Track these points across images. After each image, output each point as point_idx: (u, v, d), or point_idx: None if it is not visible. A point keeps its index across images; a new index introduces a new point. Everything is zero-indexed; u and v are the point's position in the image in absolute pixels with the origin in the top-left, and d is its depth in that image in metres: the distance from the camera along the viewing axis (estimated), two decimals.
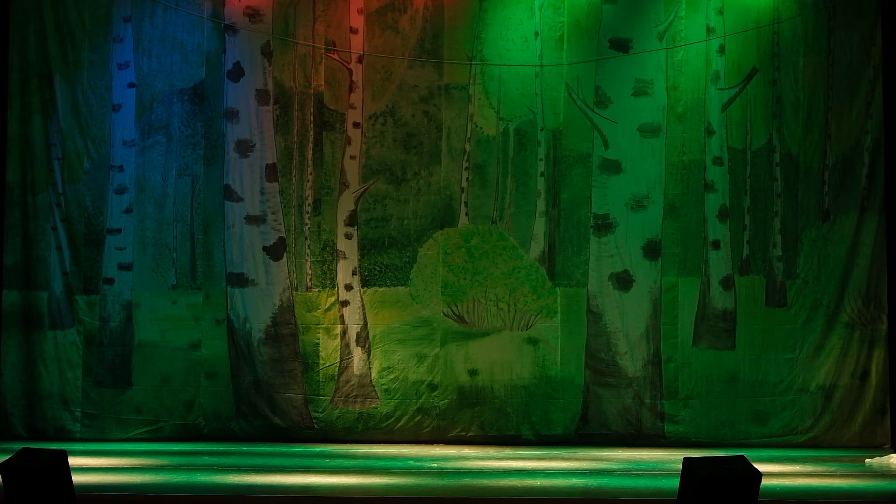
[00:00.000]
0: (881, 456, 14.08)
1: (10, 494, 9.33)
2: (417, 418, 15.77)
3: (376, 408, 15.81)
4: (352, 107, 16.05)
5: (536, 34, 15.98)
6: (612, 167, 15.88)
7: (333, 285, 15.97)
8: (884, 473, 13.06)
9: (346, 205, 16.01)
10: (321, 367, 15.86)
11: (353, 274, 15.95)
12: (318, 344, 15.88)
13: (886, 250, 15.51)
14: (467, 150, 15.96)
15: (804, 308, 15.68)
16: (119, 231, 16.02)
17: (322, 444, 15.34)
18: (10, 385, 15.83)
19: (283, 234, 15.99)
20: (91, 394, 15.77)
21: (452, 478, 12.47)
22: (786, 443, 15.46)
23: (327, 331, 15.91)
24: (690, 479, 9.10)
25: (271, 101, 16.08)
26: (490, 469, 13.14)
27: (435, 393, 15.80)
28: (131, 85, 16.12)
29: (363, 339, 15.91)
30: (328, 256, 15.98)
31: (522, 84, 15.96)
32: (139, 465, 13.21)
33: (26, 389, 15.82)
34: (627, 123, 15.87)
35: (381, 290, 15.93)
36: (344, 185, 16.03)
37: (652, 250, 15.81)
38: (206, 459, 13.77)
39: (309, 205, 16.02)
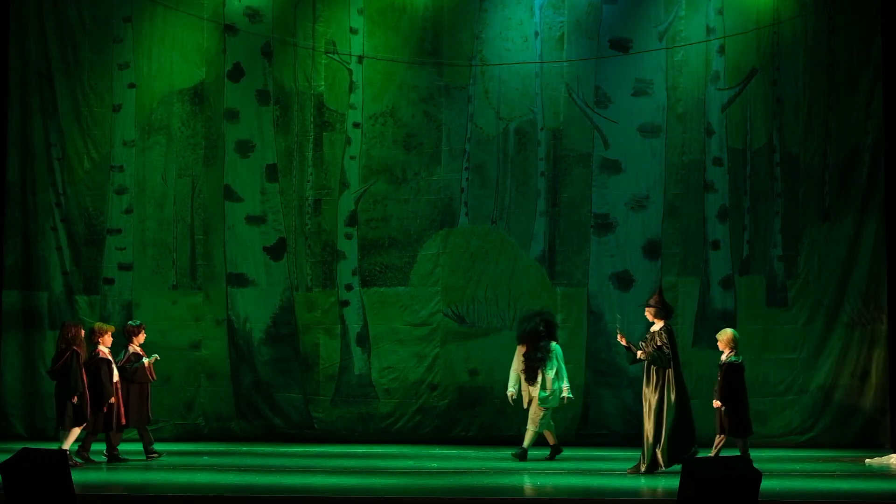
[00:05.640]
0: (881, 456, 14.07)
1: (10, 494, 9.33)
2: (417, 418, 15.77)
3: (376, 408, 15.82)
4: (352, 107, 16.05)
5: (536, 34, 15.98)
6: (612, 167, 15.88)
7: (333, 285, 15.97)
8: (884, 473, 13.06)
9: (346, 205, 16.01)
10: (321, 367, 15.86)
11: (354, 274, 15.95)
12: (318, 344, 15.88)
13: (886, 250, 15.51)
14: (467, 150, 15.96)
15: (805, 308, 15.67)
16: (119, 231, 16.03)
17: (322, 444, 15.34)
18: (10, 385, 15.85)
19: (283, 235, 15.99)
20: None
21: (452, 478, 12.47)
22: (786, 443, 15.46)
23: (327, 331, 15.91)
24: (690, 479, 9.11)
25: (271, 101, 16.08)
26: (490, 469, 13.14)
27: (435, 393, 15.80)
28: (131, 85, 16.12)
29: (363, 339, 15.91)
30: (328, 257, 15.99)
31: (522, 84, 15.97)
32: (140, 465, 13.20)
33: (26, 389, 15.83)
34: (627, 123, 15.88)
35: (382, 290, 15.94)
36: (344, 185, 16.03)
37: (652, 250, 15.81)
38: (206, 459, 13.76)
39: (309, 205, 16.02)
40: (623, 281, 15.71)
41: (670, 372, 12.50)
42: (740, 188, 15.81)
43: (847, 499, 11.19)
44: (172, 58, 16.12)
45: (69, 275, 15.95)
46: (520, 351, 13.92)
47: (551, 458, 13.87)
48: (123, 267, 16.01)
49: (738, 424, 12.86)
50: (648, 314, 12.90)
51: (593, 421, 15.63)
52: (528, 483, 12.24)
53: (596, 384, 15.63)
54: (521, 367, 13.82)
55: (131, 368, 13.57)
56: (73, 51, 16.08)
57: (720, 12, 15.89)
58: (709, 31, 15.92)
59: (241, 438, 15.67)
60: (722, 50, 15.89)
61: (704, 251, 15.80)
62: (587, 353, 15.64)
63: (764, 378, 15.65)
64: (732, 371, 12.90)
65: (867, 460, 13.89)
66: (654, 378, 12.54)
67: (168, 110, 16.10)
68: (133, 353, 13.68)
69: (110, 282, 15.98)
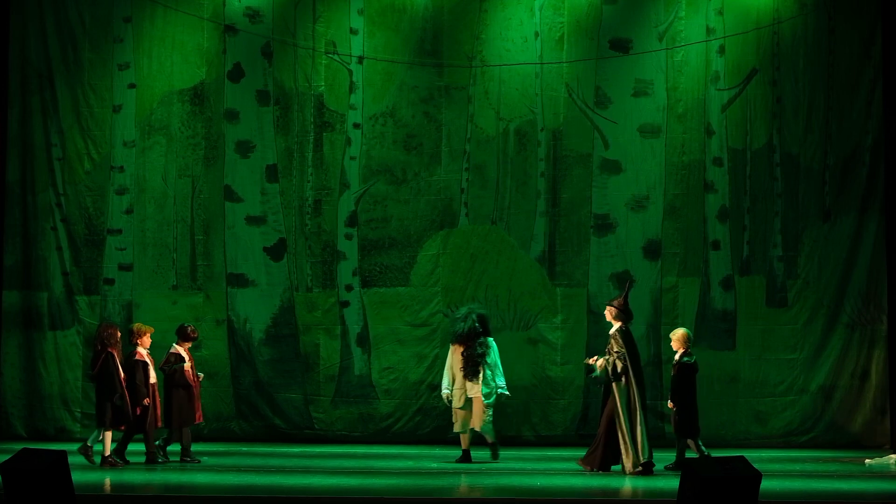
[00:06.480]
0: (881, 456, 14.07)
1: (10, 494, 9.33)
2: (417, 418, 15.77)
3: (376, 408, 15.81)
4: (352, 107, 16.05)
5: (536, 34, 15.98)
6: (612, 167, 15.89)
7: (334, 286, 15.97)
8: (884, 473, 13.05)
9: (346, 205, 16.01)
10: (321, 367, 15.86)
11: (354, 274, 15.95)
12: (318, 344, 15.89)
13: (886, 250, 15.51)
14: (467, 150, 15.96)
15: (805, 308, 15.67)
16: (119, 231, 16.03)
17: (322, 444, 15.35)
18: (10, 385, 15.86)
19: (283, 235, 16.00)
20: (91, 394, 15.74)
21: (452, 478, 12.47)
22: (786, 443, 15.47)
23: (328, 331, 15.91)
24: (690, 479, 9.11)
25: (271, 101, 16.09)
26: (490, 469, 13.14)
27: (435, 393, 15.76)
28: (131, 85, 16.13)
29: (363, 340, 15.91)
30: (328, 257, 15.99)
31: (522, 84, 15.97)
32: (139, 465, 13.20)
33: (26, 389, 15.85)
34: (627, 123, 15.88)
35: (382, 290, 15.94)
36: (344, 185, 16.03)
37: (652, 250, 15.82)
38: (206, 459, 13.76)
39: (309, 205, 16.02)
40: (623, 281, 15.69)
41: (630, 373, 12.48)
42: (740, 188, 15.81)
43: (847, 499, 11.19)
44: (172, 58, 16.13)
45: (69, 275, 15.95)
46: (456, 350, 13.66)
47: (495, 457, 13.68)
48: (123, 267, 16.01)
49: (687, 425, 12.75)
50: (608, 313, 12.86)
51: (593, 421, 15.57)
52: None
53: (595, 384, 15.60)
54: (461, 365, 13.58)
55: (169, 370, 13.50)
56: (73, 51, 16.09)
57: (720, 12, 15.89)
58: (709, 31, 15.93)
59: (241, 438, 15.68)
60: (722, 50, 15.89)
61: (704, 251, 15.81)
62: (587, 353, 15.60)
63: (764, 378, 15.66)
64: (684, 371, 12.84)
65: (867, 460, 13.89)
66: (621, 376, 12.52)
67: (168, 110, 16.11)
68: (174, 353, 13.59)
69: (110, 282, 15.98)
